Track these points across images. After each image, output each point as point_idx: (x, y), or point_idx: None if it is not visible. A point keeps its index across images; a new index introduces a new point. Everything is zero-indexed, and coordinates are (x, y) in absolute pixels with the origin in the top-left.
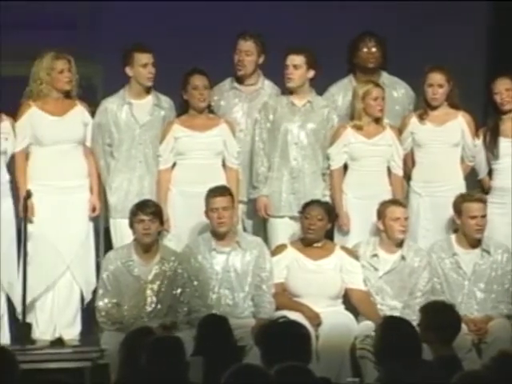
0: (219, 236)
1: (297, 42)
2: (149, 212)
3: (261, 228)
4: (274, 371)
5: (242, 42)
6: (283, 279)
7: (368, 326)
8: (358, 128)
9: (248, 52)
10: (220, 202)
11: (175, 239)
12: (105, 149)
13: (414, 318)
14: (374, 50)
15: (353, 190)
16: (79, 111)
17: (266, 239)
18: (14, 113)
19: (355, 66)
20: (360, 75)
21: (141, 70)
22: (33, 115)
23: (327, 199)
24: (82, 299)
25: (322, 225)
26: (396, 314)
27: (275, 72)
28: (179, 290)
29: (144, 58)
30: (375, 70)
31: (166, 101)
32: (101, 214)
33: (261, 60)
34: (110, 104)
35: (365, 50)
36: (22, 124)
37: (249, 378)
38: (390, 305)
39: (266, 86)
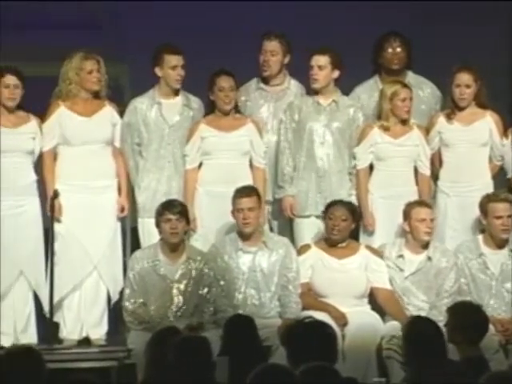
0: (245, 236)
1: (322, 42)
2: (175, 211)
3: (287, 228)
4: (300, 371)
5: (267, 42)
6: (308, 279)
7: (394, 326)
8: (385, 128)
9: (273, 52)
10: (246, 202)
11: (202, 239)
12: (134, 148)
13: (441, 318)
14: (398, 50)
15: (379, 190)
16: (108, 111)
17: (292, 239)
18: (41, 113)
19: (380, 67)
20: (385, 76)
21: (170, 71)
22: (61, 115)
23: (353, 199)
24: (109, 299)
25: (346, 225)
26: (423, 314)
27: (303, 72)
28: (205, 290)
29: (174, 59)
30: (400, 70)
31: (195, 101)
32: (128, 213)
33: (286, 60)
34: (140, 103)
35: (389, 50)
36: (51, 124)
37: (274, 377)
38: (417, 305)
39: (293, 86)
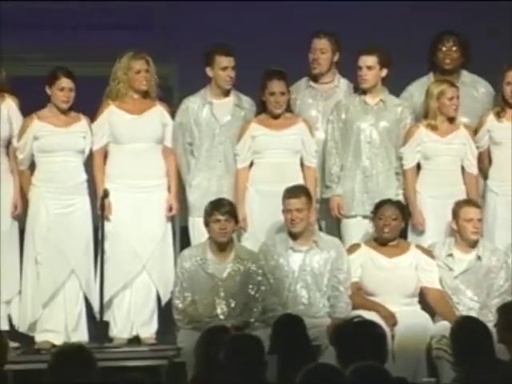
0: (295, 235)
1: (372, 41)
2: (224, 211)
3: (335, 227)
4: (350, 370)
5: (317, 40)
6: (358, 278)
7: (444, 326)
8: (433, 127)
9: (323, 50)
10: (294, 203)
11: (252, 238)
12: (185, 148)
13: (492, 318)
14: (453, 49)
15: (427, 189)
16: (158, 111)
17: (340, 238)
18: (92, 113)
19: (435, 65)
20: (438, 75)
21: (220, 72)
22: (111, 114)
23: (400, 198)
24: (159, 298)
25: (396, 224)
26: (473, 314)
27: (352, 71)
28: (254, 289)
29: (224, 61)
30: (454, 69)
31: (247, 101)
32: (177, 213)
33: (335, 58)
34: (192, 103)
35: (443, 49)
36: (101, 122)
37: (323, 377)
38: (467, 305)
39: (342, 84)
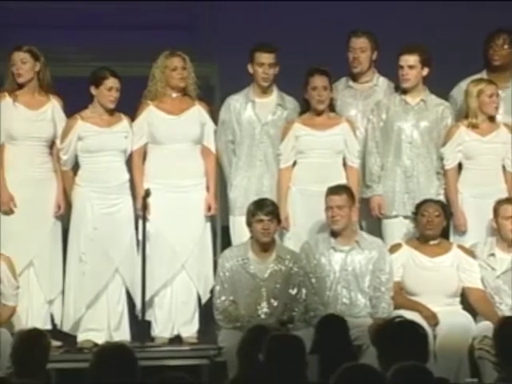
0: (336, 234)
1: (414, 40)
2: (268, 212)
3: (376, 226)
4: (392, 370)
5: (355, 39)
6: (399, 278)
7: (487, 326)
8: (474, 126)
9: (362, 48)
10: (335, 200)
11: (295, 238)
12: (228, 146)
13: None
14: (505, 46)
15: (468, 188)
16: (196, 111)
17: (380, 238)
18: (132, 113)
19: (487, 63)
20: (489, 72)
21: (257, 69)
22: (150, 114)
23: (441, 198)
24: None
25: (439, 221)
26: None
27: (390, 70)
28: (295, 289)
29: (262, 57)
30: (504, 66)
31: (290, 101)
32: (218, 212)
33: (374, 56)
34: (234, 101)
35: (493, 47)
36: (140, 123)
37: (359, 377)
38: (509, 304)
39: (381, 83)
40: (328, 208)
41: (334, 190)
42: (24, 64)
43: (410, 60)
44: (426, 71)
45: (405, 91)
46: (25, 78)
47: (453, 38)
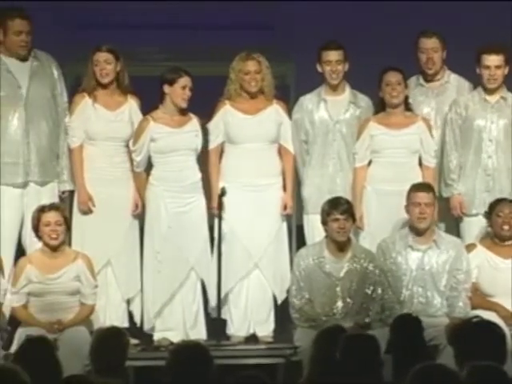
0: (418, 232)
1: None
2: (343, 210)
3: (453, 225)
4: (467, 370)
5: (426, 40)
6: (474, 279)
7: None
8: None
9: (434, 48)
10: (424, 197)
11: (370, 237)
12: (301, 145)
13: None
14: None
15: None
16: (274, 110)
17: (458, 237)
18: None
19: None
20: None
21: (325, 67)
22: (226, 113)
23: None
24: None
25: None
26: None
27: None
28: (371, 289)
29: (329, 55)
30: None
31: (363, 99)
32: (293, 211)
33: (444, 55)
34: (307, 101)
35: None
36: (216, 122)
37: (434, 376)
38: None
39: (453, 80)
40: (414, 205)
41: (421, 188)
42: (109, 64)
43: (497, 60)
44: (507, 70)
45: (485, 89)
46: (109, 79)
47: None
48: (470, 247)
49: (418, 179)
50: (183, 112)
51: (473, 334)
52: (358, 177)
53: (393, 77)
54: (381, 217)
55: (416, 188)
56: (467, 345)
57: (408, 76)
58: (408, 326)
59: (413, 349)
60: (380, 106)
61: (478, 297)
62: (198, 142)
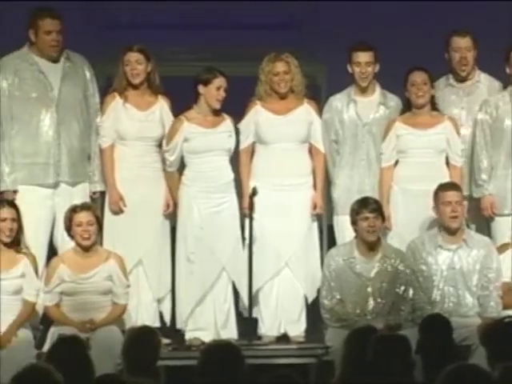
0: (449, 231)
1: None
2: (372, 209)
3: (484, 225)
4: (498, 370)
5: (460, 39)
6: (508, 279)
7: None
8: None
9: (468, 47)
10: (454, 195)
11: (397, 237)
12: (331, 145)
13: None
14: None
15: None
16: (304, 110)
17: (489, 237)
18: (240, 112)
19: None
20: None
21: (355, 68)
22: (257, 113)
23: None
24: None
25: None
26: None
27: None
28: (402, 288)
29: (358, 56)
30: None
31: (392, 99)
32: (324, 211)
33: (475, 54)
34: (337, 101)
35: None
36: (247, 122)
37: (465, 377)
38: None
39: (483, 79)
40: (445, 204)
41: (450, 187)
42: (140, 64)
43: None
44: None
45: None
46: (140, 79)
47: None
48: (503, 247)
49: (445, 179)
50: (217, 112)
51: (505, 334)
52: (385, 177)
53: (418, 77)
54: (408, 217)
55: (445, 188)
56: (499, 345)
57: (435, 76)
58: (436, 327)
59: (442, 349)
60: (406, 106)
61: (511, 297)
62: (232, 143)
